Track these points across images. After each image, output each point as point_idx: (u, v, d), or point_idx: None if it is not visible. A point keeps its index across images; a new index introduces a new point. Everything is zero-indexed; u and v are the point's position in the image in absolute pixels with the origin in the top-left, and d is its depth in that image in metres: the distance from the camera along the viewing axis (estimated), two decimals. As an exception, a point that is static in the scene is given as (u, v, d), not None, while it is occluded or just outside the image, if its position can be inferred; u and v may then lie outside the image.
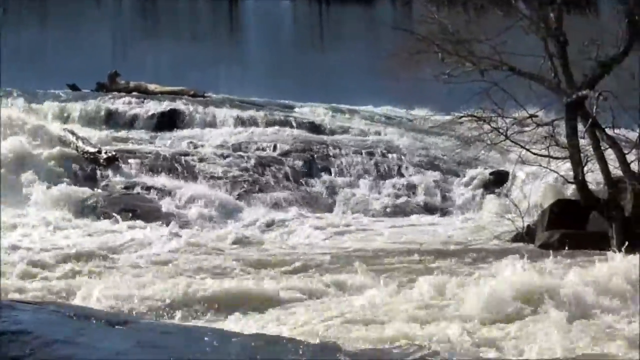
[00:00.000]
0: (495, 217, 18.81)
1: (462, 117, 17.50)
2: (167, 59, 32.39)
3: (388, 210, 20.96)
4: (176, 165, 20.90)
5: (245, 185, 20.49)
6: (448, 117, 19.24)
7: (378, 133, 25.70)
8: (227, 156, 21.79)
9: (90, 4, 34.06)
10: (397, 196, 21.56)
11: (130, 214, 17.66)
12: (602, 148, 15.43)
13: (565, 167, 16.64)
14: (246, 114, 25.26)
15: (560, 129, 16.29)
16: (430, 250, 15.26)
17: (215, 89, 29.36)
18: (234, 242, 15.38)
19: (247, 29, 35.68)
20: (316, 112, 27.71)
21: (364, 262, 12.70)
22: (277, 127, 24.37)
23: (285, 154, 22.49)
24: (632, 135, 16.13)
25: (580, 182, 15.47)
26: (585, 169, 15.57)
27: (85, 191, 18.64)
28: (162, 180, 20.01)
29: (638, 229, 14.39)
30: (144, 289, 10.21)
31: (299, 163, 22.52)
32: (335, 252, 14.88)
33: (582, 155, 15.53)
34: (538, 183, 19.86)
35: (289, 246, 15.56)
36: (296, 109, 27.98)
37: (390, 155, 23.48)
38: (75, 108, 24.30)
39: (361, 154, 23.05)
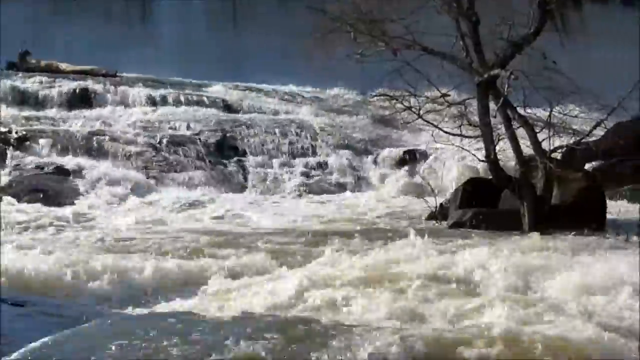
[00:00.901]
0: (408, 196, 19.00)
1: (374, 96, 17.57)
2: (79, 39, 31.70)
3: (301, 189, 21.01)
4: (88, 144, 20.61)
5: (158, 165, 20.31)
6: (361, 97, 19.37)
7: (291, 112, 25.61)
8: (139, 135, 21.53)
9: (1, -18, 33.37)
10: (310, 175, 21.62)
11: (41, 194, 17.39)
12: (514, 127, 15.49)
13: (478, 146, 16.52)
14: (158, 93, 25.02)
15: (473, 108, 16.38)
16: (341, 229, 15.20)
17: (127, 68, 28.91)
18: (148, 222, 15.19)
19: (159, 8, 35.19)
20: (229, 91, 27.41)
21: (272, 242, 12.99)
22: (189, 107, 24.18)
23: (198, 133, 22.34)
24: (543, 114, 16.16)
25: (492, 161, 15.56)
26: (497, 147, 15.66)
27: (-6, 171, 18.37)
28: (73, 160, 19.68)
29: (549, 207, 14.72)
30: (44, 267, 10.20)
31: (212, 142, 22.41)
32: (245, 231, 14.87)
33: (494, 134, 15.64)
34: (451, 162, 20.07)
35: (202, 226, 15.30)
36: (209, 89, 27.68)
37: (303, 135, 23.45)
38: (-16, 87, 23.86)
39: (274, 133, 22.99)
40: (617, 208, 16.64)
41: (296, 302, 8.88)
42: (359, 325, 6.91)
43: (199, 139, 22.15)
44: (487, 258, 10.30)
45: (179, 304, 8.82)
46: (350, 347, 6.08)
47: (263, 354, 5.76)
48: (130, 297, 9.43)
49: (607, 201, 16.02)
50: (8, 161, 19.24)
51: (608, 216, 15.52)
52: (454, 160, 19.98)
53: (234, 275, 10.22)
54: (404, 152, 22.07)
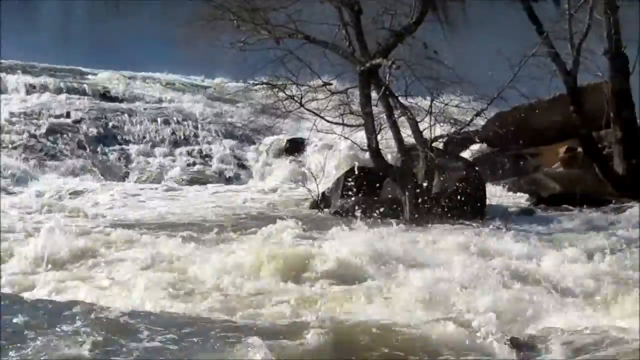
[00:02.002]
0: (291, 185, 19.10)
1: (256, 84, 17.53)
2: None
3: (184, 178, 20.90)
4: (-36, 133, 19.93)
5: (38, 154, 19.89)
6: (243, 85, 19.25)
7: (174, 101, 25.39)
8: (19, 123, 21.04)
9: None
10: (193, 164, 21.60)
11: None
12: (395, 116, 15.62)
13: (360, 135, 16.68)
14: (38, 80, 24.42)
15: (355, 97, 16.36)
16: (220, 220, 15.21)
17: (5, 54, 27.90)
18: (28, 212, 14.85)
19: (40, -6, 34.46)
20: (111, 79, 26.84)
21: (152, 231, 12.81)
22: (70, 94, 23.56)
23: (79, 121, 21.89)
24: (425, 103, 16.33)
25: (373, 149, 15.66)
26: (379, 136, 15.70)
27: None
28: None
29: (430, 196, 14.72)
30: None
31: (93, 131, 22.05)
32: (122, 222, 14.71)
33: (375, 123, 15.69)
34: (333, 151, 20.13)
35: (85, 215, 14.96)
36: (90, 76, 27.13)
37: (186, 123, 23.32)
38: None
39: (157, 121, 22.81)
40: (498, 196, 17.03)
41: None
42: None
43: (80, 127, 21.68)
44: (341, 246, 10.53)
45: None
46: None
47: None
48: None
49: (488, 189, 16.28)
50: None
51: (489, 204, 15.83)
52: (337, 149, 20.10)
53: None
54: (287, 141, 22.09)
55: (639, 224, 13.69)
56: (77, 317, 6.54)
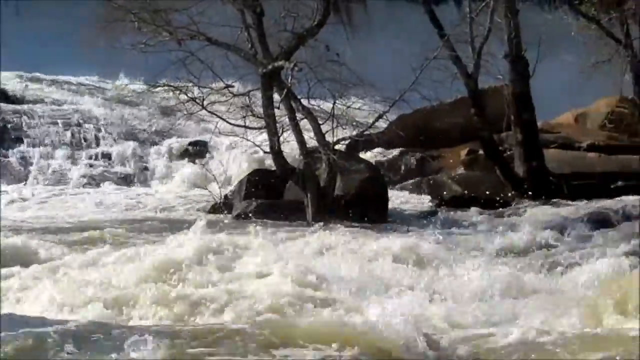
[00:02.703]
0: (193, 188, 19.07)
1: (157, 86, 17.47)
2: None
3: (84, 180, 20.67)
4: None
5: None
6: (145, 87, 19.15)
7: (75, 103, 24.93)
8: None
9: None
10: (94, 166, 21.32)
11: None
12: (298, 118, 15.66)
13: (263, 138, 16.72)
14: None
15: (257, 99, 16.30)
16: (119, 221, 15.18)
17: None
18: None
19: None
20: (10, 80, 26.01)
21: (55, 235, 12.43)
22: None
23: (-26, 122, 21.35)
24: (327, 105, 16.23)
25: (276, 152, 15.69)
26: (282, 139, 15.72)
27: None
28: None
29: (332, 198, 14.80)
30: None
31: None
32: (24, 225, 14.39)
33: (278, 125, 15.67)
34: (235, 153, 20.19)
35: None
36: (-14, 77, 26.38)
37: (86, 126, 22.90)
38: None
39: (57, 124, 22.42)
40: (401, 198, 17.30)
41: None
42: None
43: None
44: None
45: None
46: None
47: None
48: None
49: (391, 192, 16.54)
50: None
51: (392, 206, 15.97)
52: (239, 152, 20.20)
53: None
54: (189, 144, 22.07)
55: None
56: None
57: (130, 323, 7.52)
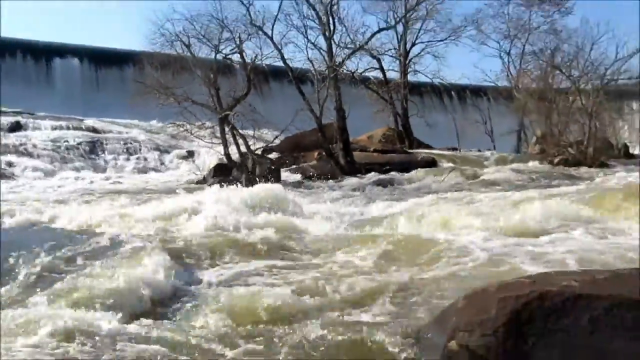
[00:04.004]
0: (187, 173, 18.34)
1: (170, 124, 18.36)
2: None
3: (135, 170, 19.68)
4: None
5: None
6: (162, 124, 19.90)
7: (128, 132, 22.94)
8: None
9: None
10: (138, 163, 20.29)
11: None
12: (238, 138, 16.36)
13: (219, 149, 16.95)
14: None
15: (216, 130, 16.94)
16: (156, 186, 14.89)
17: None
18: None
19: None
20: (96, 122, 23.63)
21: (121, 194, 11.83)
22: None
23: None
24: (251, 132, 16.87)
25: (227, 155, 16.49)
26: (231, 149, 16.48)
27: None
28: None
29: (254, 175, 15.17)
30: None
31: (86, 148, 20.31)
32: (112, 188, 14.12)
33: (227, 141, 16.52)
34: (209, 156, 19.58)
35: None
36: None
37: (134, 143, 21.48)
38: None
39: (120, 143, 21.44)
40: (286, 175, 17.07)
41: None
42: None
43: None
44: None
45: None
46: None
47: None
48: None
49: (282, 173, 16.51)
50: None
51: (283, 179, 15.82)
52: (210, 155, 19.21)
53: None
54: (186, 151, 21.34)
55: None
56: None
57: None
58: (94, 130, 22.45)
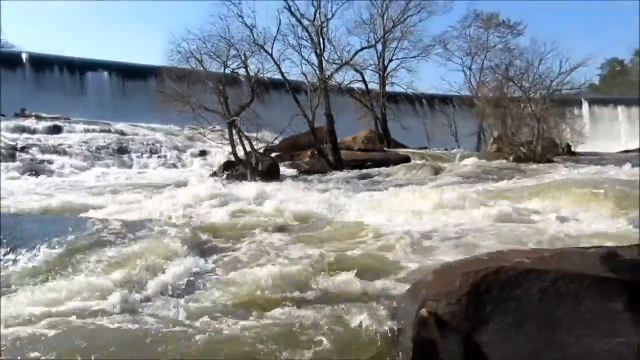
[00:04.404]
0: (201, 169, 18.09)
1: (187, 128, 18.33)
2: None
3: (157, 165, 19.05)
4: None
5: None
6: (179, 128, 19.38)
7: (152, 135, 21.93)
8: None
9: None
10: (159, 160, 19.60)
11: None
12: (243, 140, 15.79)
13: (228, 149, 16.37)
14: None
15: (225, 133, 16.46)
16: (174, 179, 14.28)
17: None
18: None
19: None
20: (124, 126, 22.57)
21: (139, 187, 11.60)
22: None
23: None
24: (254, 135, 16.36)
25: (234, 153, 15.98)
26: (237, 148, 15.93)
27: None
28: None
29: (258, 170, 15.14)
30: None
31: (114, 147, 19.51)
32: (134, 183, 13.55)
33: (234, 142, 16.06)
34: (220, 155, 18.87)
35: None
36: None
37: (156, 144, 20.66)
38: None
39: (143, 144, 20.64)
40: (284, 170, 16.88)
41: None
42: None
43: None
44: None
45: None
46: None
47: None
48: None
49: (281, 168, 16.40)
50: (17, 159, 17.02)
51: (282, 173, 16.06)
52: (220, 154, 18.65)
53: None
54: (200, 151, 20.74)
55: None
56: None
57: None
58: (122, 133, 21.84)
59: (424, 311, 2.73)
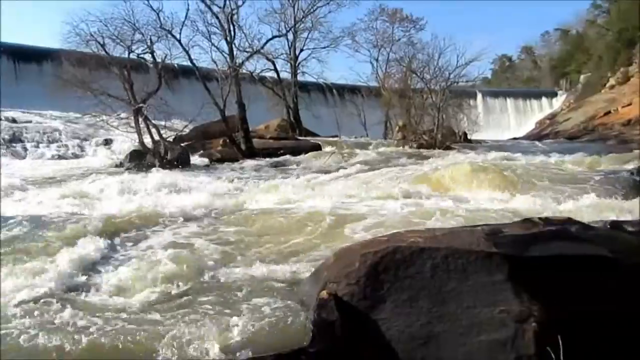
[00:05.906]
0: (106, 159, 16.34)
1: (86, 114, 16.75)
2: None
3: (53, 155, 17.54)
4: None
5: None
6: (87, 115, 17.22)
7: (47, 122, 19.85)
8: None
9: None
10: (66, 149, 18.11)
11: None
12: (150, 127, 15.08)
13: (134, 136, 15.65)
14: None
15: (131, 120, 15.49)
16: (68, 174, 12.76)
17: None
18: None
19: None
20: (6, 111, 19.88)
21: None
22: None
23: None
24: (162, 123, 15.82)
25: (141, 142, 15.36)
26: (145, 137, 15.33)
27: None
28: None
29: (167, 159, 14.53)
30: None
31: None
32: None
33: (141, 130, 15.16)
34: (126, 144, 17.57)
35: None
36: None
37: (55, 133, 18.78)
38: None
39: (39, 133, 18.65)
40: (195, 159, 16.14)
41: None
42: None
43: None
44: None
45: None
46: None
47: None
48: None
49: (192, 157, 15.73)
50: None
51: (193, 163, 15.29)
52: (127, 142, 17.46)
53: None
54: (104, 139, 18.91)
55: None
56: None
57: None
58: (13, 120, 19.73)
59: (324, 293, 2.76)
